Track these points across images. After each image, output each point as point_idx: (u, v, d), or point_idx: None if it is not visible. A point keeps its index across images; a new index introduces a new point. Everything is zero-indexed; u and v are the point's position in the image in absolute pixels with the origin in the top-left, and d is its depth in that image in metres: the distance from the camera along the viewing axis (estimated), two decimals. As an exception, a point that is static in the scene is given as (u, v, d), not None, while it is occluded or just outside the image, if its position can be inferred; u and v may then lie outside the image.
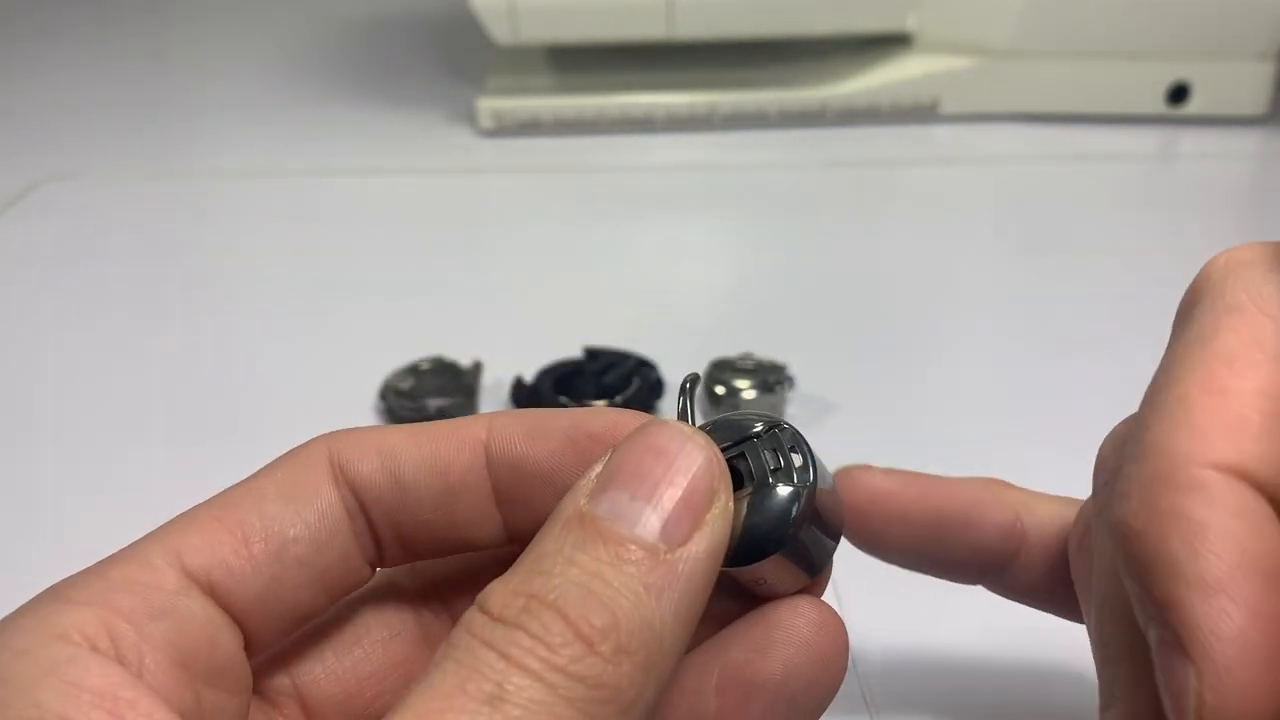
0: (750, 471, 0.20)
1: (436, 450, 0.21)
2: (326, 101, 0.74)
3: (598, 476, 0.18)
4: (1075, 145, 0.66)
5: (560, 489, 0.20)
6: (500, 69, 0.70)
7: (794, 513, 0.19)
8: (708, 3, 0.63)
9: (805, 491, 0.19)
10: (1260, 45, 0.64)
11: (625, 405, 0.23)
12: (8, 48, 0.85)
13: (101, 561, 0.19)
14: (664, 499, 0.18)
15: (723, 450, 0.19)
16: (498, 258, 0.56)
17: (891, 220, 0.60)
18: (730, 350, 0.43)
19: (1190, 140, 0.66)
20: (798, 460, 0.20)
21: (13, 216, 0.59)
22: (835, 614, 0.20)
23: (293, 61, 0.81)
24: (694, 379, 0.21)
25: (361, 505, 0.21)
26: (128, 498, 0.38)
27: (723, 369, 0.42)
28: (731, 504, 0.19)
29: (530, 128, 0.67)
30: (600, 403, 0.40)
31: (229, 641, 0.19)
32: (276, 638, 0.20)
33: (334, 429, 0.22)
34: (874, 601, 0.33)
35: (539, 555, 0.17)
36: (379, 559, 0.22)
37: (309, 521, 0.20)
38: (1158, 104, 0.67)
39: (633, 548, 0.17)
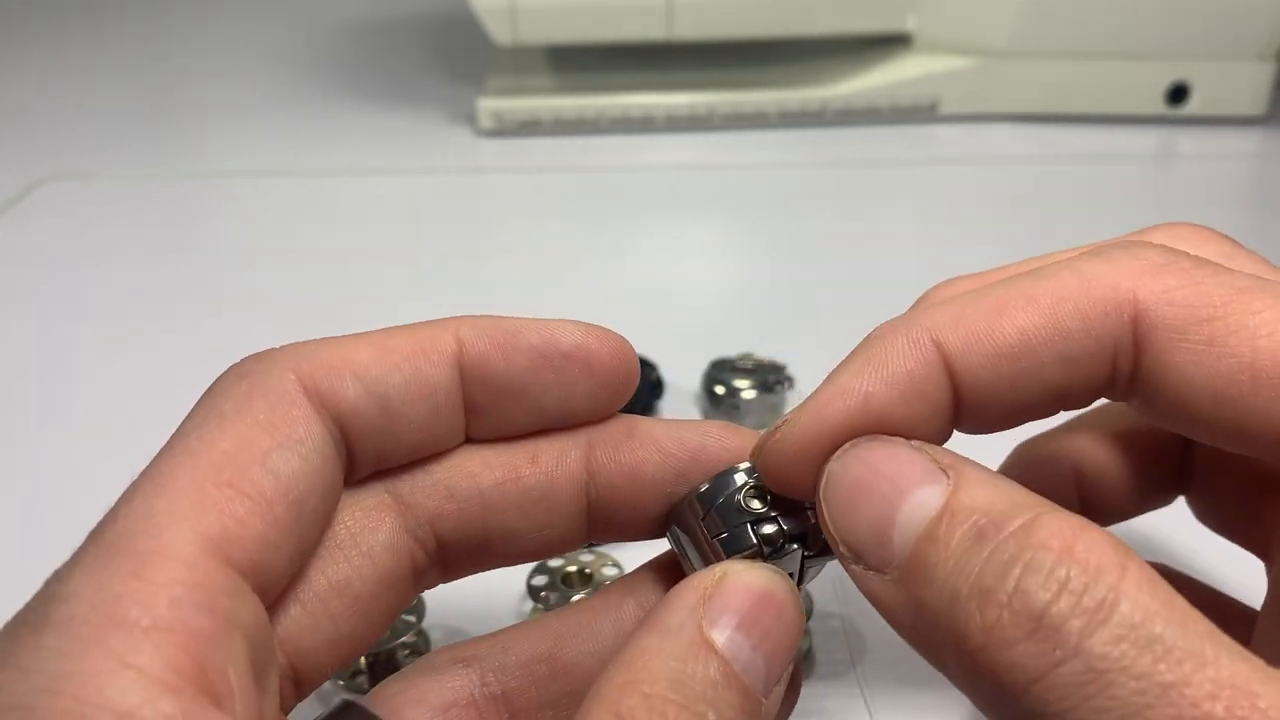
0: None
1: (418, 369, 0.20)
2: (327, 102, 0.74)
3: (712, 600, 0.18)
4: (1075, 145, 0.66)
5: (530, 405, 0.21)
6: (500, 69, 0.70)
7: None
8: (708, 3, 0.63)
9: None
10: (1260, 45, 0.64)
11: (625, 405, 0.22)
12: (9, 48, 0.85)
13: (119, 550, 0.16)
14: (775, 662, 0.18)
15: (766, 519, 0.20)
16: (497, 258, 0.56)
17: (891, 220, 0.60)
18: (730, 350, 0.43)
19: (1190, 140, 0.66)
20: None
21: (14, 216, 0.59)
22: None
23: (293, 62, 0.81)
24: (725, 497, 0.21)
25: (345, 435, 0.20)
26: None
27: (723, 369, 0.42)
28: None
29: (530, 128, 0.67)
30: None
31: (271, 638, 0.18)
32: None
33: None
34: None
35: (677, 677, 0.17)
36: (348, 480, 0.21)
37: (315, 468, 0.19)
38: (1157, 104, 0.67)
39: (751, 700, 0.18)
